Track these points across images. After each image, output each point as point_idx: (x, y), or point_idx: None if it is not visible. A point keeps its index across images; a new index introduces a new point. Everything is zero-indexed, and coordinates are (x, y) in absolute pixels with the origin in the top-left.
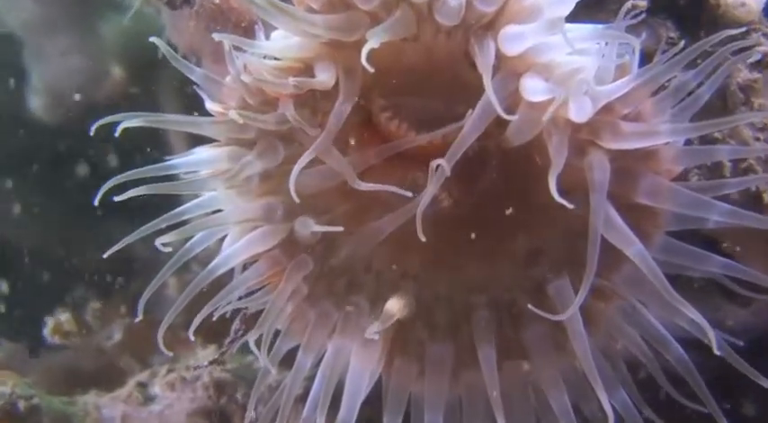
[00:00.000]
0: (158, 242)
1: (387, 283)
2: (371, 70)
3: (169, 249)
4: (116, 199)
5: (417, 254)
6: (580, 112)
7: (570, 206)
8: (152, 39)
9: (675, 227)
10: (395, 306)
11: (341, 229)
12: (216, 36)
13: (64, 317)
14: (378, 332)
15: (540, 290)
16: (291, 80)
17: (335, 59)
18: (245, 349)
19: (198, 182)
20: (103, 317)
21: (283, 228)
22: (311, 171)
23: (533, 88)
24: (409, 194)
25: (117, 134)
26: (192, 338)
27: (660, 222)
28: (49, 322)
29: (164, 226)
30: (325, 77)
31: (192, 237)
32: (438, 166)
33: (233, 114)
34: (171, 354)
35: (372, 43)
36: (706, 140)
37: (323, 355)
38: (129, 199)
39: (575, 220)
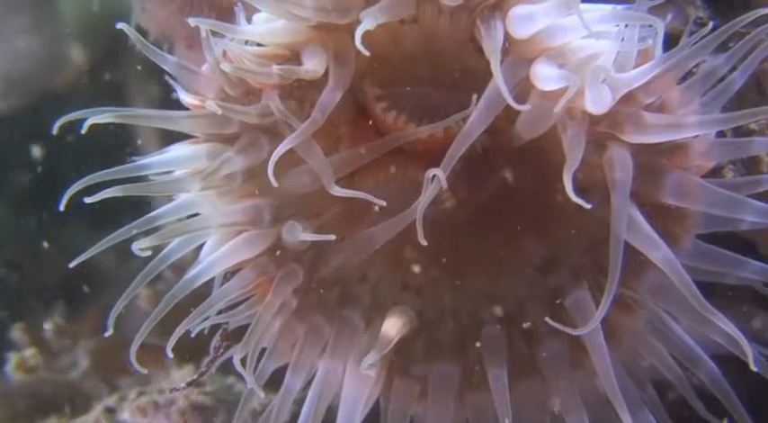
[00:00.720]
0: (135, 247)
1: (384, 294)
2: (367, 54)
3: (149, 253)
4: (87, 201)
5: (418, 262)
6: (598, 102)
7: (588, 206)
8: (119, 24)
9: (706, 229)
10: (393, 327)
11: (332, 237)
12: (191, 20)
13: (29, 352)
14: (374, 364)
15: (556, 301)
16: (276, 68)
17: (325, 45)
18: (225, 369)
19: (174, 182)
20: (67, 334)
21: (271, 233)
22: (301, 169)
23: (546, 75)
24: (383, 203)
25: (83, 131)
26: (171, 356)
27: (689, 224)
28: (12, 358)
29: (135, 233)
30: (313, 65)
31: (167, 244)
32: (434, 176)
33: (211, 105)
34: (146, 371)
35: (367, 25)
36: (740, 132)
37: (313, 376)
38: (93, 203)
39: (594, 223)
